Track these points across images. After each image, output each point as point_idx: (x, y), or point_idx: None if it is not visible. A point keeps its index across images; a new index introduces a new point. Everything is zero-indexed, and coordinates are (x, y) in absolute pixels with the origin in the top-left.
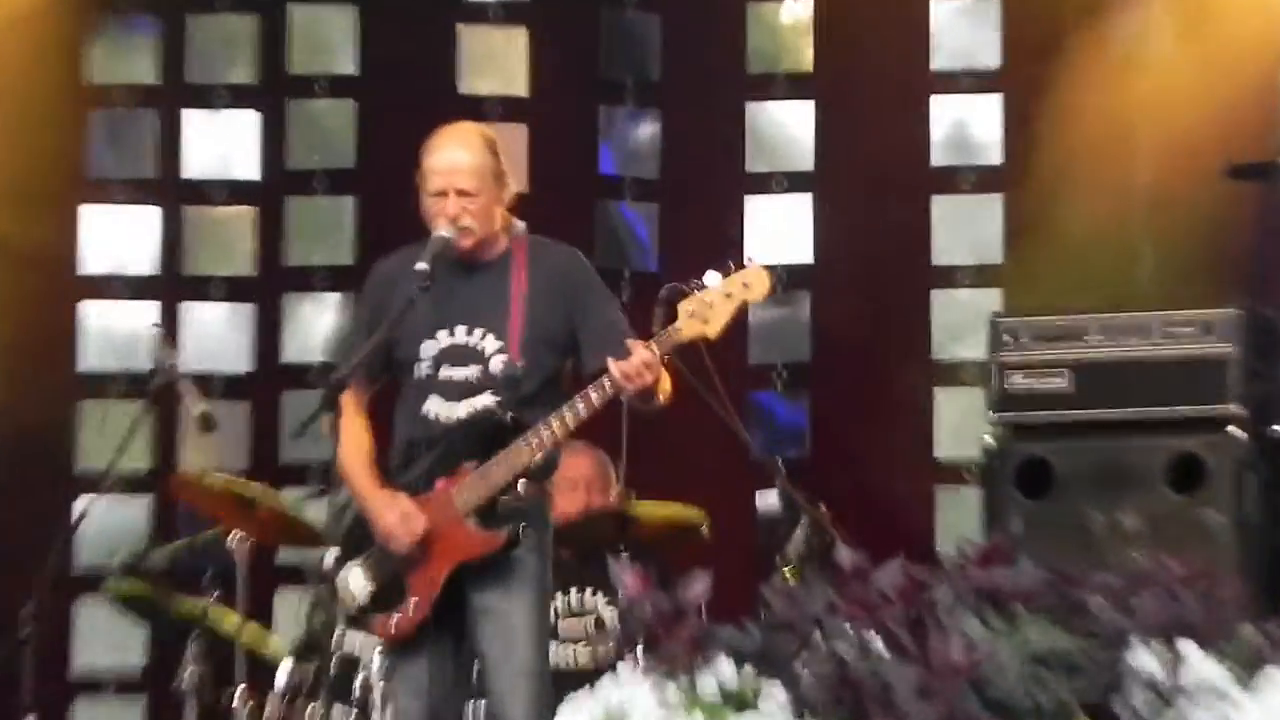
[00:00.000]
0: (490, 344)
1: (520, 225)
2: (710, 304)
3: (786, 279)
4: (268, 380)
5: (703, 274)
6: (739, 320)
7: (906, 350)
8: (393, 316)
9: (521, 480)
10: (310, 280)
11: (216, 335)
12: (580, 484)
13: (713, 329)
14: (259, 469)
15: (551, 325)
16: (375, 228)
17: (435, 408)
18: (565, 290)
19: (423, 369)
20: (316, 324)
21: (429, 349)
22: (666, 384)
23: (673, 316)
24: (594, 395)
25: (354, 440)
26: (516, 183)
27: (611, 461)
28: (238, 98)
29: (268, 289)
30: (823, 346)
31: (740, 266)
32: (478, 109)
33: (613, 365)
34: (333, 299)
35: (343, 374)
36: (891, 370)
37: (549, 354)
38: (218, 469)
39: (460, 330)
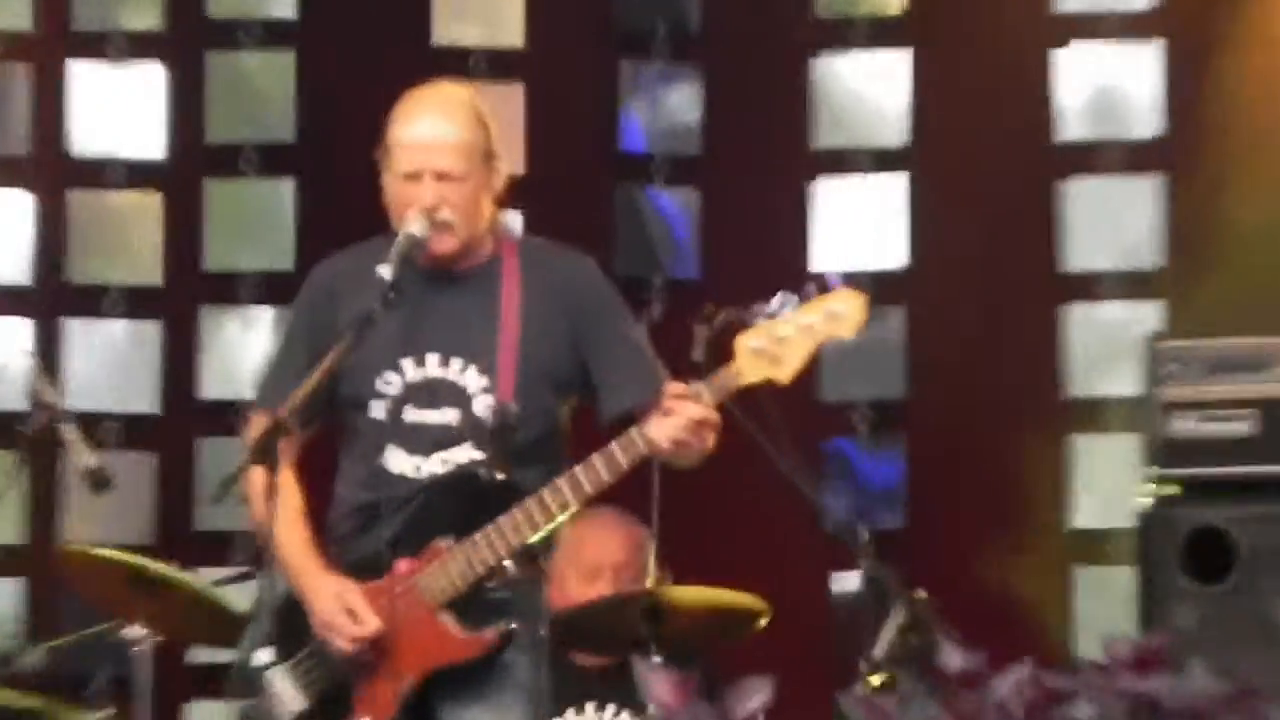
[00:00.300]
0: (473, 379)
1: (511, 223)
2: (782, 339)
3: (873, 291)
4: (180, 423)
5: (760, 290)
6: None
7: (1032, 384)
8: (345, 339)
9: (510, 562)
10: (236, 290)
11: (112, 363)
12: (605, 570)
13: (785, 372)
14: (168, 541)
15: (554, 356)
16: (321, 221)
17: (397, 463)
18: (572, 310)
19: (380, 410)
20: (244, 348)
21: (390, 384)
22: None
23: (721, 346)
24: (620, 455)
25: (288, 503)
26: (509, 164)
27: (645, 534)
28: (139, 48)
29: (180, 302)
30: (921, 379)
31: (821, 288)
32: (459, 65)
33: (658, 426)
34: (265, 315)
35: (283, 416)
36: (1013, 410)
37: (550, 394)
38: (113, 542)
39: (433, 360)
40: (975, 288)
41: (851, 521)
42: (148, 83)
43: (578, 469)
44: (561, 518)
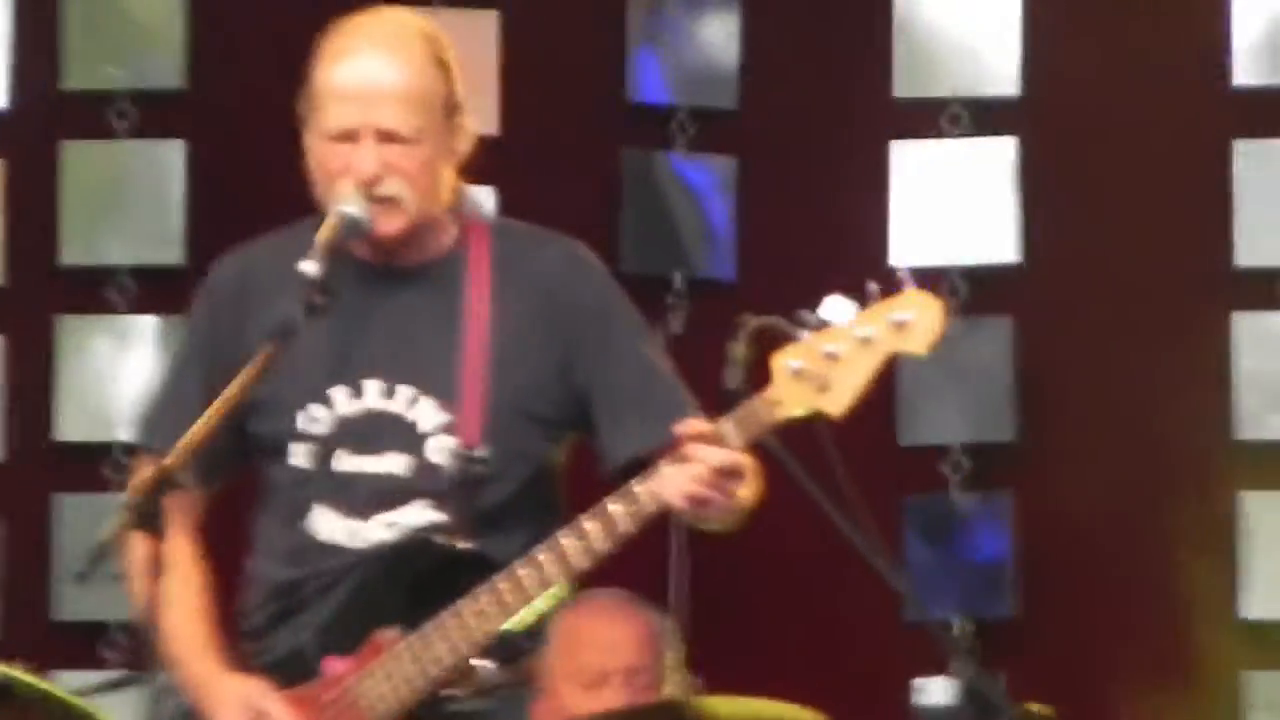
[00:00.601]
0: (428, 415)
1: (480, 201)
2: (833, 358)
3: (968, 294)
4: (29, 474)
5: (816, 295)
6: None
7: (1189, 420)
8: (255, 360)
9: (480, 662)
10: (103, 292)
11: None
12: (611, 676)
13: (837, 402)
14: (16, 633)
15: (537, 384)
16: (222, 197)
17: (326, 527)
18: (562, 321)
19: (303, 456)
20: (117, 372)
21: (316, 421)
22: (749, 487)
23: (763, 368)
24: (621, 517)
25: (182, 583)
26: (479, 121)
27: (671, 627)
28: None
29: (27, 308)
30: (1034, 415)
31: (888, 288)
32: None
33: (670, 477)
34: (146, 325)
35: (171, 465)
36: (1161, 458)
37: (533, 434)
38: None
39: (373, 389)
40: (1108, 291)
41: (942, 609)
42: None
43: (563, 535)
44: (542, 602)
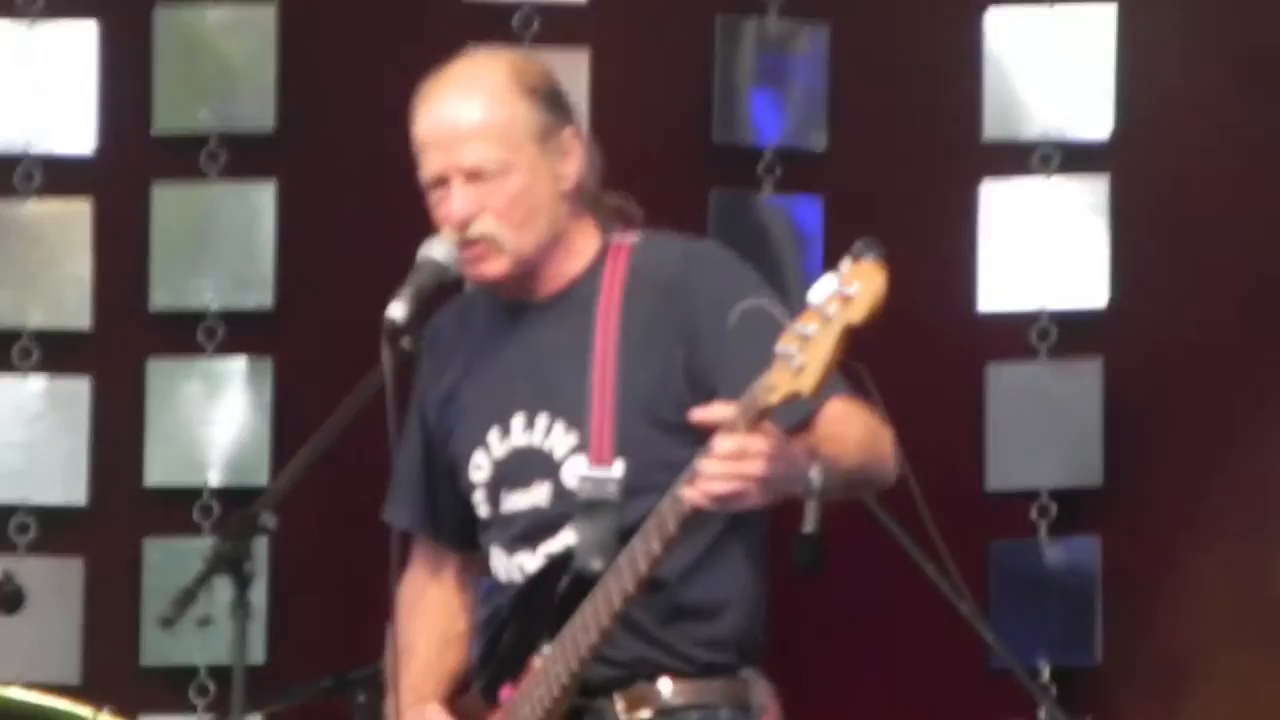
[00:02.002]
0: (560, 438)
1: (627, 217)
2: (807, 340)
3: (1057, 337)
4: (117, 518)
5: (901, 338)
6: (966, 417)
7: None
8: (397, 418)
9: (664, 681)
10: (193, 334)
11: (22, 438)
12: None
13: (808, 380)
14: (101, 681)
15: (665, 393)
16: (312, 239)
17: (502, 565)
18: (684, 326)
19: (480, 504)
20: (207, 415)
21: (480, 468)
22: (843, 444)
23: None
24: (669, 517)
25: (422, 626)
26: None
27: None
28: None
29: (117, 352)
30: (1124, 456)
31: (856, 262)
32: (500, 25)
33: (695, 477)
34: (236, 368)
35: (254, 512)
36: (1252, 502)
37: (671, 442)
38: (23, 680)
39: (518, 424)
40: (1202, 332)
41: (1028, 656)
42: (69, 43)
43: (635, 541)
44: (627, 604)
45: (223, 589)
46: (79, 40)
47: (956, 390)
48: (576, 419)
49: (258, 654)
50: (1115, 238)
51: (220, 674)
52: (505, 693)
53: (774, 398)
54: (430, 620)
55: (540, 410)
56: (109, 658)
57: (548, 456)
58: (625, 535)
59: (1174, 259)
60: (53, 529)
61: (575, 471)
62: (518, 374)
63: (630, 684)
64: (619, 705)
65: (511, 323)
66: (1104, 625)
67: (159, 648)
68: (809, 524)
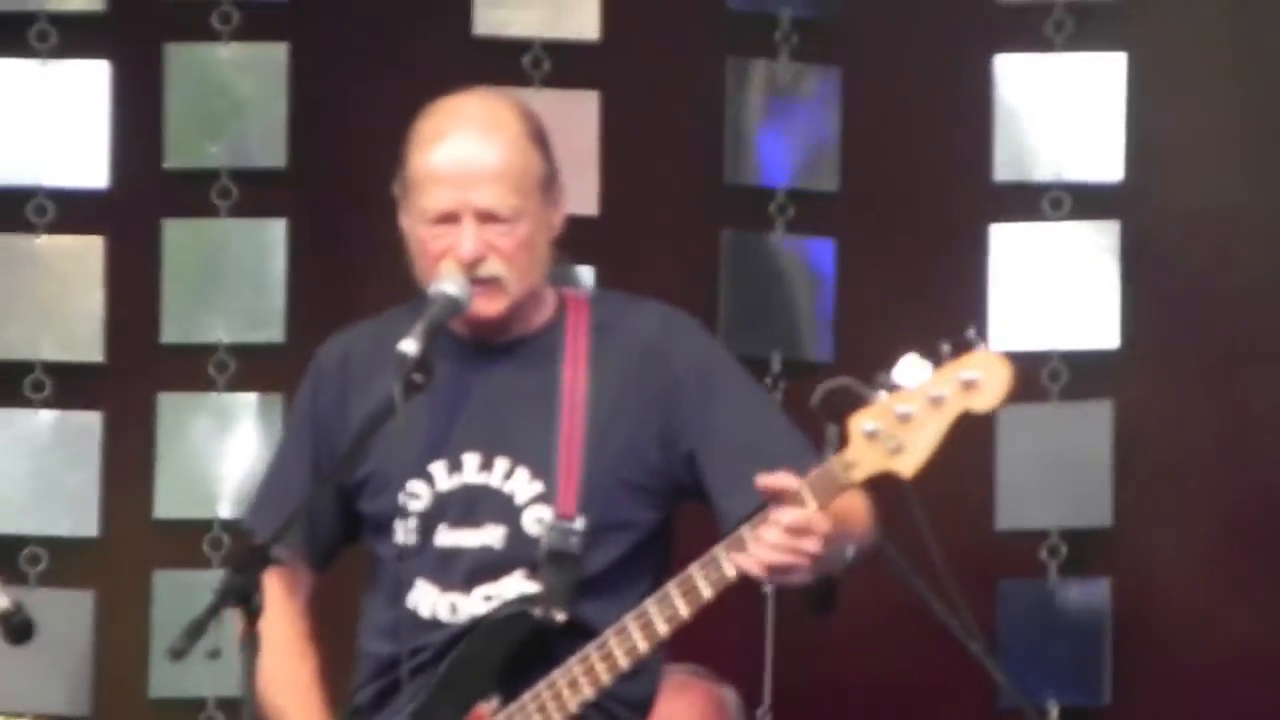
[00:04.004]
0: (523, 485)
1: (581, 274)
2: (906, 419)
3: (1068, 378)
4: (128, 550)
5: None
6: (978, 457)
7: None
8: (355, 437)
9: None
10: (203, 370)
11: (34, 470)
12: None
13: (911, 462)
14: (110, 713)
15: (635, 453)
16: (324, 277)
17: (427, 602)
18: (661, 390)
19: (406, 531)
20: (217, 449)
21: (417, 497)
22: (855, 521)
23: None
24: (703, 582)
25: (285, 656)
26: (580, 200)
27: (743, 706)
28: (70, 36)
29: (128, 386)
30: (1134, 498)
31: (959, 349)
32: (510, 62)
33: (750, 542)
34: (246, 403)
35: (267, 541)
36: (1261, 545)
37: (634, 503)
38: (34, 712)
39: (471, 462)
40: (1211, 376)
41: (1036, 695)
42: (80, 81)
43: (650, 602)
44: (634, 664)
45: (232, 621)
46: (91, 78)
47: (968, 431)
48: (542, 468)
49: None
50: (1126, 281)
51: (229, 706)
52: None
53: (858, 475)
54: (301, 650)
55: (499, 453)
56: (118, 689)
57: (507, 500)
58: (584, 589)
59: (1183, 302)
60: (63, 561)
61: (538, 518)
62: (472, 412)
63: None
64: None
65: (463, 360)
66: (1113, 666)
67: (168, 679)
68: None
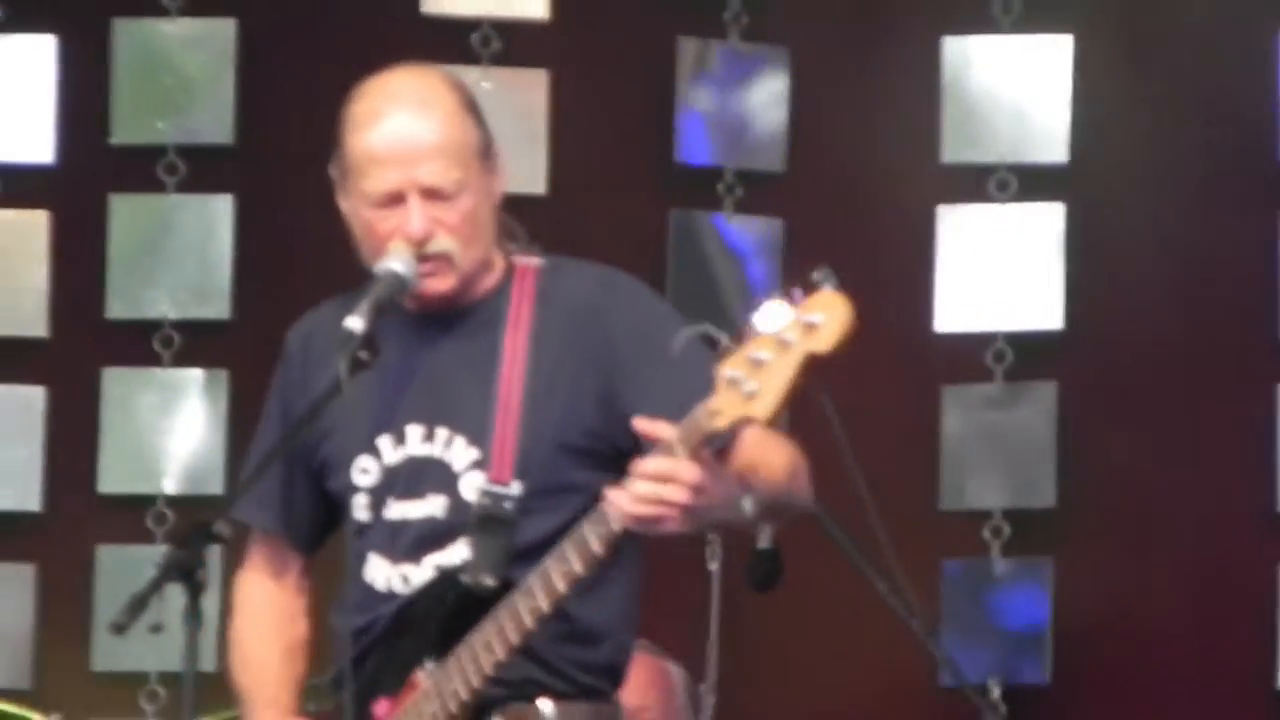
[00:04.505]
0: (460, 452)
1: (521, 239)
2: (760, 365)
3: (1013, 359)
4: (71, 524)
5: (857, 354)
6: (921, 437)
7: (1230, 491)
8: (301, 415)
9: (543, 702)
10: (149, 345)
11: None
12: None
13: (762, 407)
14: (52, 686)
15: (574, 418)
16: (269, 252)
17: (381, 575)
18: (600, 354)
19: (361, 507)
20: (163, 424)
21: (367, 472)
22: (768, 474)
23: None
24: (591, 536)
25: (257, 635)
26: (519, 177)
27: (687, 678)
28: (17, 10)
29: (73, 361)
30: (1077, 478)
31: (810, 291)
32: (459, 42)
33: (617, 494)
34: (191, 379)
35: (207, 521)
36: (1205, 528)
37: (575, 467)
38: None
39: (415, 434)
40: (1154, 358)
41: (978, 674)
42: (29, 57)
43: (549, 560)
44: (539, 623)
45: (175, 597)
46: (38, 52)
47: (912, 410)
48: (478, 435)
49: (208, 662)
50: (1070, 262)
51: (171, 681)
52: (382, 708)
53: (720, 422)
54: (276, 627)
55: (440, 423)
56: (60, 663)
57: (447, 468)
58: (518, 554)
59: (1128, 284)
60: (6, 534)
61: (474, 485)
62: (416, 384)
63: (508, 703)
64: None
65: (410, 333)
66: (1055, 645)
67: (110, 654)
68: (763, 540)
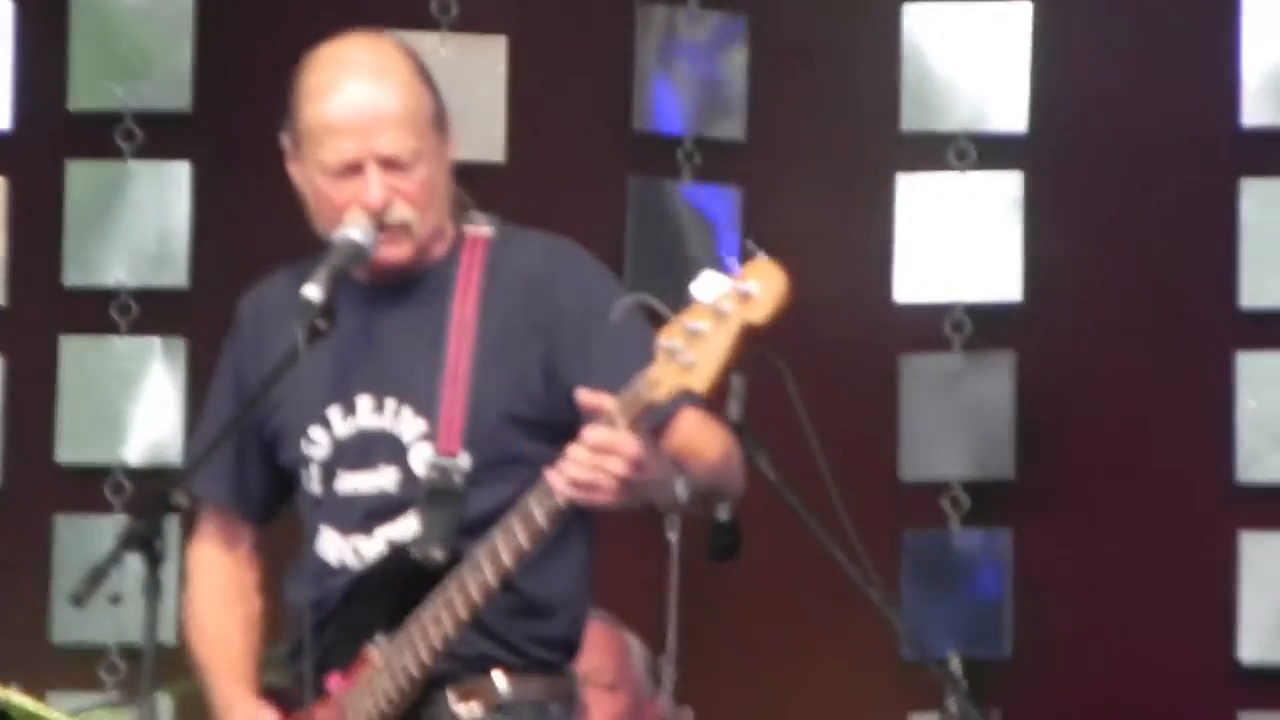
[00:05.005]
0: (408, 424)
1: (469, 207)
2: (697, 335)
3: (971, 329)
4: (29, 495)
5: (820, 328)
6: (880, 407)
7: (1190, 460)
8: (259, 384)
9: (497, 675)
10: (106, 313)
11: None
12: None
13: (700, 377)
14: (11, 657)
15: (520, 388)
16: (226, 220)
17: (333, 547)
18: (544, 322)
19: (312, 479)
20: (120, 392)
21: (317, 444)
22: (704, 458)
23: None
24: (536, 509)
25: (213, 609)
26: (477, 145)
27: (645, 650)
28: None
29: (30, 329)
30: (1036, 449)
31: (745, 260)
32: (419, 9)
33: (559, 465)
34: (149, 347)
35: (167, 488)
36: (1161, 499)
37: (522, 438)
38: None
39: (364, 405)
40: (1112, 329)
41: (938, 646)
42: None
43: (496, 533)
44: (486, 596)
45: (134, 567)
46: None
47: (870, 380)
48: (426, 406)
49: (168, 633)
50: (1029, 232)
51: (131, 652)
52: (334, 682)
53: (658, 393)
54: (230, 599)
55: (388, 394)
56: (19, 634)
57: (395, 440)
58: (468, 527)
59: (1087, 254)
60: None
61: (423, 457)
62: (365, 355)
63: (462, 677)
64: (451, 697)
65: (359, 303)
66: (1014, 617)
67: (69, 625)
68: (722, 512)
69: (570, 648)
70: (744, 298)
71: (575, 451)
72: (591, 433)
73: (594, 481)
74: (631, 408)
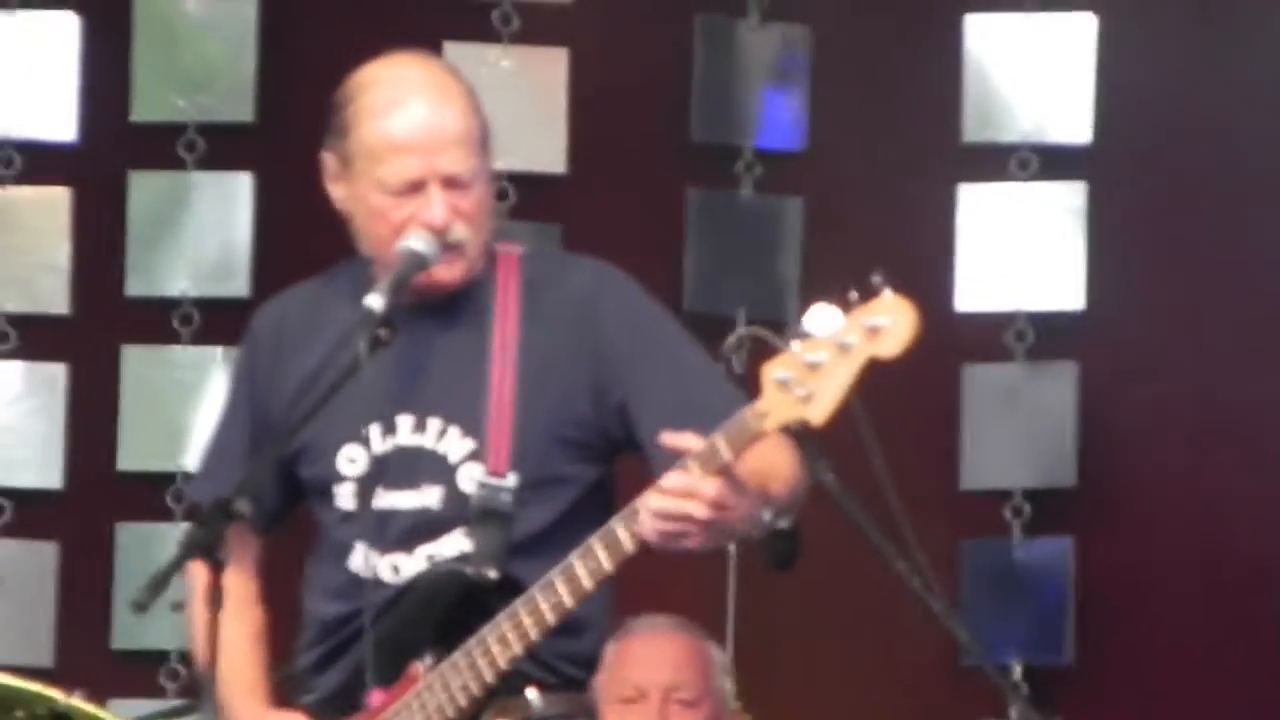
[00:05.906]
0: (455, 443)
1: (505, 229)
2: (815, 367)
3: (1033, 339)
4: (91, 502)
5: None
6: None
7: (1249, 469)
8: (311, 400)
9: (531, 691)
10: (168, 323)
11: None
12: (649, 693)
13: (818, 410)
14: (73, 664)
15: (568, 409)
16: (288, 230)
17: (368, 563)
18: (592, 344)
19: (345, 496)
20: (181, 401)
21: (354, 461)
22: (776, 481)
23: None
24: (623, 534)
25: (235, 620)
26: (538, 155)
27: (725, 657)
28: None
29: (93, 338)
30: (1097, 458)
31: (867, 296)
32: (482, 21)
33: (642, 509)
34: (210, 357)
35: (228, 499)
36: (1222, 504)
37: (568, 459)
38: None
39: (405, 424)
40: (1174, 338)
41: (999, 655)
42: (52, 35)
43: (574, 557)
44: (560, 619)
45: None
46: (60, 30)
47: (933, 390)
48: (473, 426)
49: None
50: (1092, 242)
51: (192, 659)
52: (376, 698)
53: (769, 424)
54: (240, 612)
55: (432, 413)
56: (81, 641)
57: (441, 459)
58: (515, 546)
59: (1149, 263)
60: (28, 512)
61: (471, 477)
62: (406, 374)
63: (498, 694)
64: (488, 715)
65: (406, 324)
66: (1076, 625)
67: (131, 632)
68: (783, 520)
69: (594, 664)
70: (872, 332)
71: (652, 498)
72: (668, 480)
73: (673, 529)
74: (740, 439)
